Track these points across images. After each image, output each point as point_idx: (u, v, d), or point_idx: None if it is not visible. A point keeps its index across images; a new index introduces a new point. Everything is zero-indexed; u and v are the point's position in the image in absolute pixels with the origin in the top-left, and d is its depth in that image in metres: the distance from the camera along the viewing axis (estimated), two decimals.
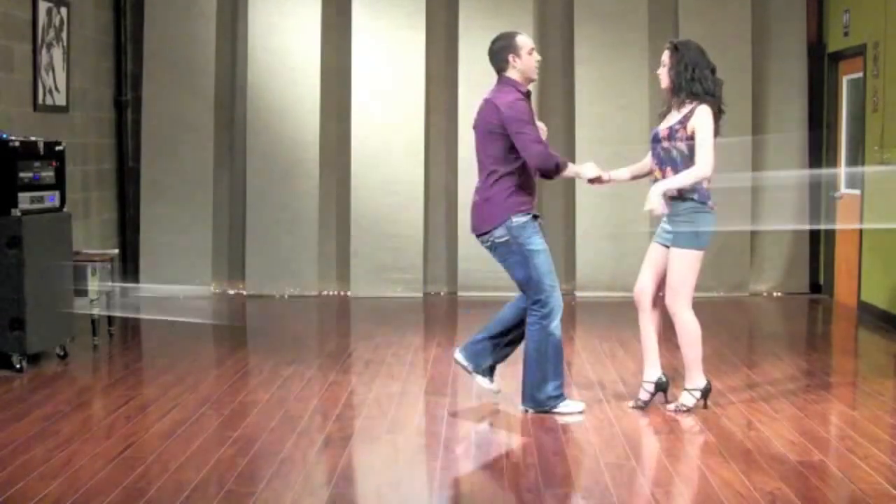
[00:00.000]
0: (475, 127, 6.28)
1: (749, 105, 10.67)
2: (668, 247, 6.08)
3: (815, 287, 10.87)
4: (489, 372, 6.34)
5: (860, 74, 9.87)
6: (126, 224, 10.80)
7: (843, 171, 10.46)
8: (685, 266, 5.99)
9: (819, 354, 8.25)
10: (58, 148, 7.64)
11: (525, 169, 6.05)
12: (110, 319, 8.50)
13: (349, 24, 10.77)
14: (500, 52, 6.10)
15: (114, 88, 10.66)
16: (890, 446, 5.55)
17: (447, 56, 10.93)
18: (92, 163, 10.05)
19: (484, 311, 9.88)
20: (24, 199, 7.19)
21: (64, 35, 9.23)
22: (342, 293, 10.92)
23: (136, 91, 10.79)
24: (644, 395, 6.22)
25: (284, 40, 10.73)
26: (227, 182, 11.01)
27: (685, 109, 6.00)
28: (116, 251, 9.08)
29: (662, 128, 6.08)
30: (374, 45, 10.75)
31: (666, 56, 6.11)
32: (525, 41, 6.12)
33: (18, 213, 7.11)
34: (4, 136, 7.26)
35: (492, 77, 10.49)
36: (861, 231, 9.71)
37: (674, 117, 6.06)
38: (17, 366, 7.14)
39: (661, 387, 6.22)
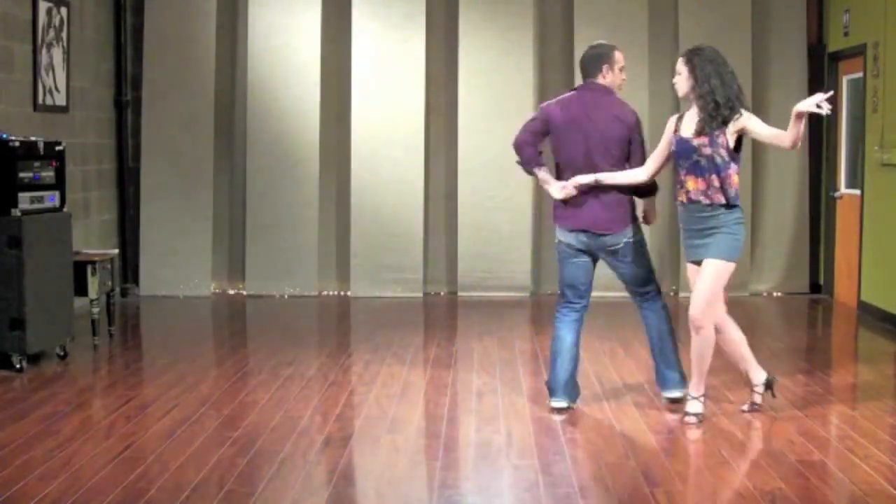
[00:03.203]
0: (579, 128, 6.16)
1: (749, 105, 10.65)
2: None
3: (815, 287, 10.87)
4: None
5: (860, 74, 9.87)
6: (126, 224, 10.80)
7: (842, 170, 10.47)
8: (724, 276, 5.95)
9: (819, 354, 8.25)
10: (58, 148, 7.64)
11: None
12: (110, 319, 8.50)
13: (349, 24, 10.78)
14: (597, 59, 6.23)
15: (114, 88, 10.67)
16: (890, 446, 5.55)
17: (447, 56, 10.93)
18: (92, 163, 10.05)
19: (484, 311, 9.92)
20: (24, 199, 7.19)
21: (64, 35, 9.23)
22: (342, 293, 10.92)
23: (136, 91, 10.79)
24: (757, 398, 6.21)
25: (284, 40, 10.73)
26: (227, 182, 11.02)
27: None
28: (116, 251, 9.08)
29: (694, 134, 5.91)
30: (374, 45, 10.75)
31: (681, 65, 6.01)
32: (621, 58, 6.26)
33: (18, 213, 7.11)
34: (4, 136, 7.26)
35: (491, 77, 10.69)
36: (861, 231, 9.72)
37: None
38: (17, 366, 7.14)
39: (769, 385, 6.21)
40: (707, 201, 5.86)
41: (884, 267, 9.20)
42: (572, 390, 6.27)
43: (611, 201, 6.15)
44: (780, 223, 10.84)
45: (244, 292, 10.87)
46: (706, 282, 5.89)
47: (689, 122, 5.99)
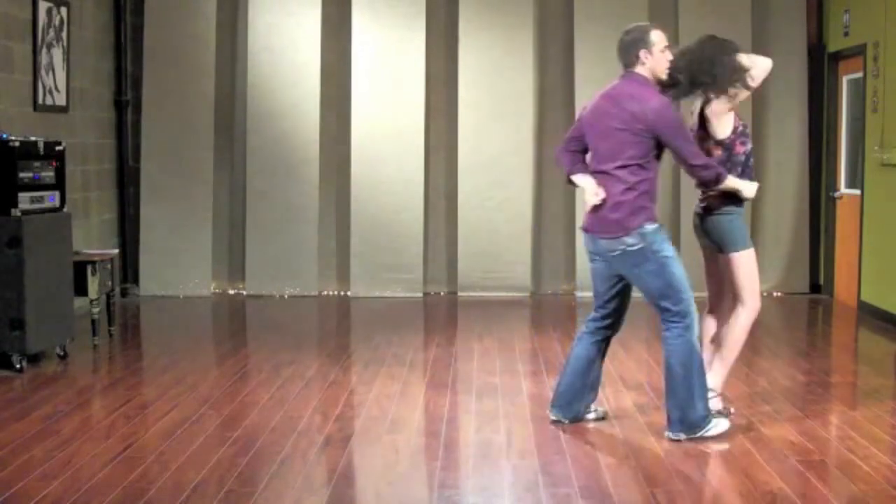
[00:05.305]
0: (593, 123, 5.63)
1: (749, 105, 10.65)
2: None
3: (815, 287, 10.88)
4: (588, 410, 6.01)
5: (860, 74, 9.87)
6: (126, 224, 10.81)
7: (842, 170, 10.47)
8: None
9: (819, 354, 8.25)
10: (58, 148, 7.64)
11: (654, 175, 5.58)
12: (110, 319, 8.51)
13: (349, 24, 10.78)
14: (632, 45, 5.55)
15: (114, 88, 10.67)
16: (890, 446, 5.55)
17: (447, 56, 10.93)
18: (92, 163, 10.05)
19: (484, 311, 9.92)
20: (24, 199, 7.19)
21: (64, 35, 9.23)
22: (342, 293, 10.92)
23: (136, 91, 10.79)
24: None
25: (284, 40, 10.73)
26: (227, 182, 11.02)
27: None
28: (116, 251, 9.08)
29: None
30: (374, 45, 10.75)
31: None
32: (659, 37, 5.56)
33: (18, 213, 7.11)
34: (4, 136, 7.26)
35: (491, 77, 10.70)
36: (861, 231, 9.72)
37: None
38: (17, 366, 7.14)
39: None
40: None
41: (884, 267, 9.20)
42: (566, 407, 5.91)
43: (614, 201, 5.52)
44: (780, 223, 10.84)
45: (244, 292, 10.87)
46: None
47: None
